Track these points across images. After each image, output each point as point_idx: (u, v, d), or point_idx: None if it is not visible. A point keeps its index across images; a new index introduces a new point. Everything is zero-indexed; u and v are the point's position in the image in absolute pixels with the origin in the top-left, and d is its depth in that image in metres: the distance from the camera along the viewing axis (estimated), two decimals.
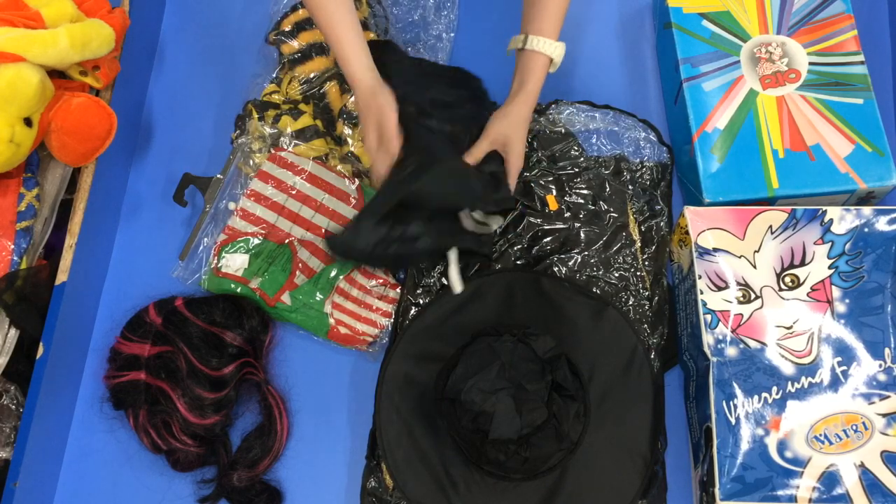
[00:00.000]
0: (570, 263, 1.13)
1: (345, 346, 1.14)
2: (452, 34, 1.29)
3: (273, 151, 1.19)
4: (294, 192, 1.18)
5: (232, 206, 1.19)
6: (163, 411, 1.07)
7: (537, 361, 1.02)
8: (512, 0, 1.33)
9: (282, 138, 1.21)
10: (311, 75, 1.24)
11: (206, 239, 1.18)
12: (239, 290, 1.14)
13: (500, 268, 1.13)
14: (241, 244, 1.16)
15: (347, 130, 1.20)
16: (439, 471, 1.02)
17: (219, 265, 1.15)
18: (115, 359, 1.11)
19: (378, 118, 1.04)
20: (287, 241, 1.16)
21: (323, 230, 1.17)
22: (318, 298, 1.14)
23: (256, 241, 1.16)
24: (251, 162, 1.21)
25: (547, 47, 1.04)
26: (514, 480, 1.02)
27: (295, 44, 1.25)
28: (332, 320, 1.13)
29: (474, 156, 1.07)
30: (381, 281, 1.15)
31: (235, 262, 1.15)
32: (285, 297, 1.13)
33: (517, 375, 1.00)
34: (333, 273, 1.14)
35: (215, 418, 1.07)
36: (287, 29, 1.26)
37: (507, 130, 1.07)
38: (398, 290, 1.15)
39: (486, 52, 1.26)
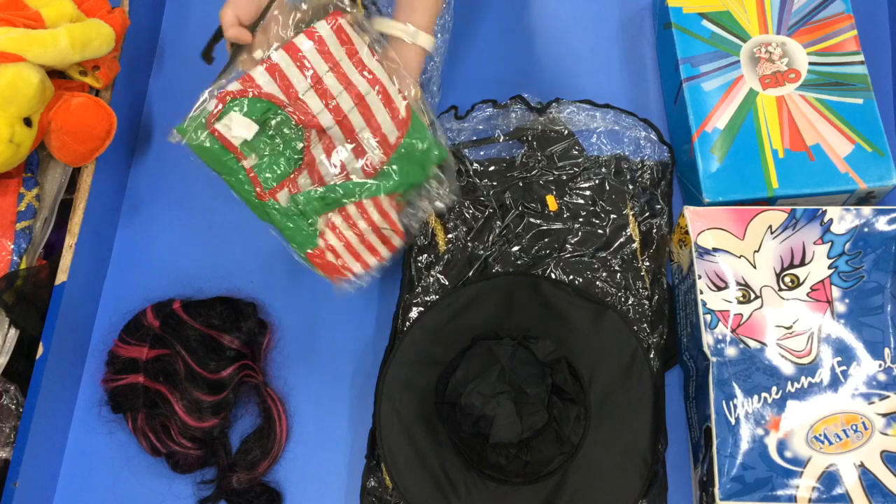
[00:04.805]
0: (570, 263, 1.13)
1: (320, 272, 1.01)
2: (447, 35, 1.29)
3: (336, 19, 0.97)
4: (339, 70, 0.96)
5: (259, 54, 0.95)
6: (161, 414, 1.07)
7: (537, 365, 1.02)
8: (506, 1, 1.34)
9: None
10: None
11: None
12: (225, 160, 0.91)
13: (500, 271, 1.13)
14: (255, 106, 0.91)
15: None
16: (440, 475, 1.02)
17: (216, 121, 0.91)
18: (113, 362, 1.11)
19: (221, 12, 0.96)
20: (307, 125, 0.95)
21: (355, 133, 0.99)
22: (314, 213, 0.98)
23: (271, 108, 0.93)
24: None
25: (430, 44, 1.04)
26: (515, 484, 1.02)
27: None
28: (321, 241, 0.97)
29: None
30: (390, 224, 1.03)
31: (238, 127, 0.91)
32: (282, 196, 0.95)
33: (517, 379, 1.00)
34: (341, 193, 0.98)
35: (214, 421, 1.07)
36: None
37: None
38: (404, 239, 1.05)
39: (481, 52, 1.26)
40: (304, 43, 0.95)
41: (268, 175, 0.94)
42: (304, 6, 0.97)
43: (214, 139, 0.92)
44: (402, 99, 1.00)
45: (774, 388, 0.98)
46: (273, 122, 0.94)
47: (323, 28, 0.95)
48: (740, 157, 1.11)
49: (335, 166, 0.98)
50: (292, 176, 0.95)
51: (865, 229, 1.04)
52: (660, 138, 1.21)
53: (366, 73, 0.98)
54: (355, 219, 1.01)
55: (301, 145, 0.96)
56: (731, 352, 1.00)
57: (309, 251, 0.98)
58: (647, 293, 1.12)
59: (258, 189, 0.95)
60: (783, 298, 1.02)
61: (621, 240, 1.15)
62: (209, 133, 0.92)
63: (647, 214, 1.16)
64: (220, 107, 0.92)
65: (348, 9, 0.98)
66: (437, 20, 1.04)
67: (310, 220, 0.97)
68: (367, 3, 1.28)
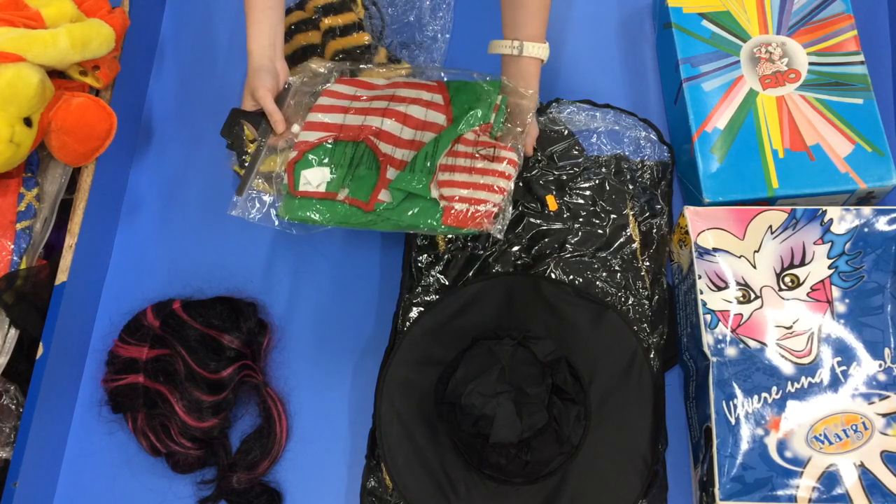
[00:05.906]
0: (570, 263, 1.13)
1: (465, 228, 0.98)
2: (447, 35, 1.29)
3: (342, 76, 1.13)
4: (362, 97, 1.09)
5: (296, 128, 1.07)
6: (161, 414, 1.07)
7: (537, 365, 1.02)
8: None
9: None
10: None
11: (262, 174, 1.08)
12: (324, 209, 1.00)
13: (500, 271, 1.13)
14: (318, 155, 1.02)
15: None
16: (440, 475, 1.02)
17: (296, 185, 1.01)
18: (113, 362, 1.11)
19: (252, 92, 1.07)
20: (362, 137, 1.04)
21: (404, 115, 1.06)
22: (420, 185, 1.00)
23: (327, 146, 1.03)
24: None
25: (542, 52, 1.08)
26: (515, 484, 1.02)
27: (289, 46, 1.24)
28: (442, 201, 0.98)
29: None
30: (491, 146, 1.03)
31: (316, 177, 1.01)
32: (383, 196, 0.99)
33: (517, 379, 1.00)
34: (430, 153, 1.03)
35: (213, 421, 1.07)
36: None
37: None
38: (511, 152, 1.03)
39: (480, 53, 1.25)
40: (323, 99, 1.09)
41: (361, 192, 1.01)
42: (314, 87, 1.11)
43: (305, 200, 1.01)
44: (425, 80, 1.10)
45: (774, 388, 0.98)
46: (337, 155, 1.04)
47: (331, 84, 1.10)
48: (740, 157, 1.11)
49: (408, 146, 1.04)
50: (380, 178, 1.01)
51: (865, 229, 1.04)
52: (660, 138, 1.21)
53: (384, 87, 1.09)
54: (453, 163, 1.02)
55: (369, 152, 1.03)
56: (731, 352, 1.00)
57: (441, 218, 0.99)
58: (647, 293, 1.12)
59: (362, 207, 1.00)
60: (783, 298, 1.02)
61: (621, 240, 1.15)
62: (301, 199, 1.01)
63: (647, 214, 1.16)
64: (290, 176, 1.02)
65: (333, 71, 1.13)
66: (545, 27, 1.08)
67: (420, 194, 1.00)
68: (367, 3, 1.29)
